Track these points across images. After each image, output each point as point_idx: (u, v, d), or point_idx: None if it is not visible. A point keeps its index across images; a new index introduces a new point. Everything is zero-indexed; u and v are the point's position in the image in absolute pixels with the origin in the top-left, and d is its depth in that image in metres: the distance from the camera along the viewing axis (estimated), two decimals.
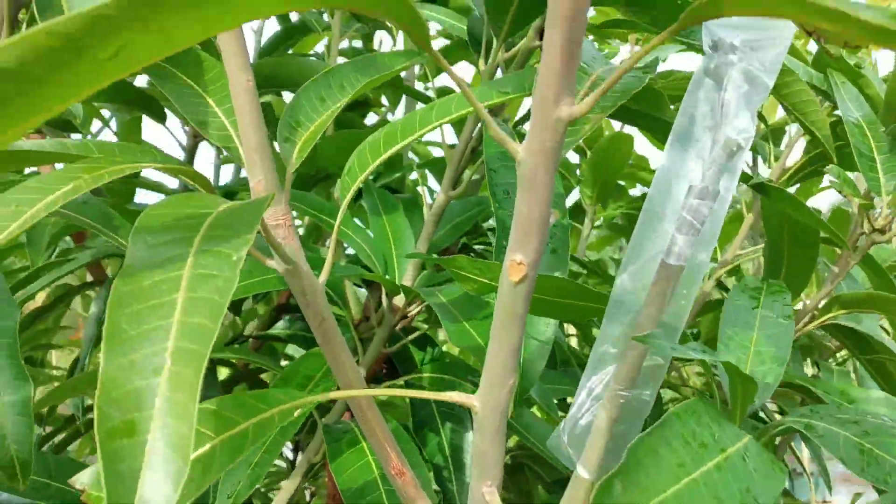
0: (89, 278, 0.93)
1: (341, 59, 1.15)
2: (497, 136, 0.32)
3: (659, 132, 0.70)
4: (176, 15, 0.23)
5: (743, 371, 0.41)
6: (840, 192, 0.61)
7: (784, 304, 0.48)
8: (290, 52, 1.14)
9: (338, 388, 0.44)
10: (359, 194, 0.88)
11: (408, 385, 0.68)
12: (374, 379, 0.77)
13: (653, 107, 0.57)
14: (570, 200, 1.30)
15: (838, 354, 0.99)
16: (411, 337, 0.69)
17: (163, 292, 0.27)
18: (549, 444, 0.43)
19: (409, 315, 0.69)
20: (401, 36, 1.15)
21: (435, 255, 0.68)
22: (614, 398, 0.41)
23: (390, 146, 0.43)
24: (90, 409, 0.80)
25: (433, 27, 1.09)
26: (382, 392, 0.40)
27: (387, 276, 0.69)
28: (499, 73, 0.69)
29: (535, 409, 0.81)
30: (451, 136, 1.27)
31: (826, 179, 0.89)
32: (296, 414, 0.34)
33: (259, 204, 0.33)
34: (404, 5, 0.27)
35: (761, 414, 0.77)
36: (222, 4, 0.23)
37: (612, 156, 1.10)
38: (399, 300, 0.68)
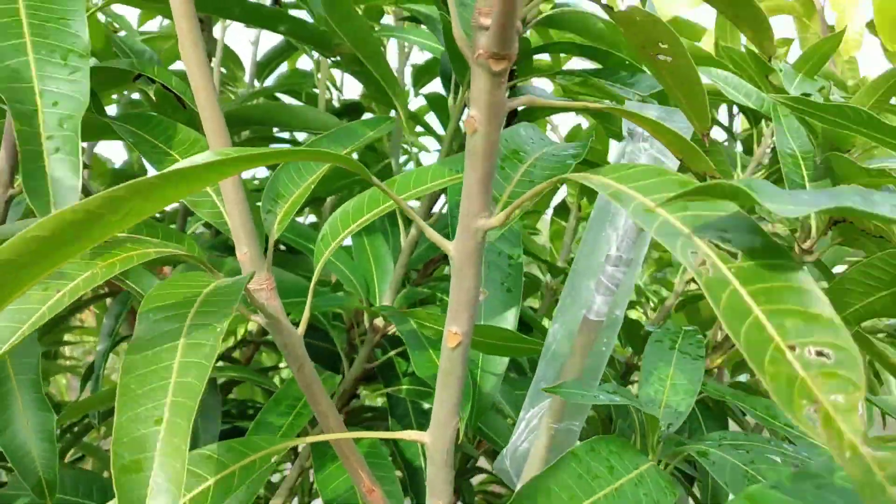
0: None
1: (335, 71, 1.21)
2: (431, 236, 0.39)
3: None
4: (165, 189, 0.30)
5: (656, 405, 0.49)
6: (766, 219, 0.68)
7: (697, 345, 0.55)
8: (284, 66, 1.20)
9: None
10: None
11: (387, 396, 0.76)
12: (363, 378, 0.86)
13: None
14: (557, 198, 1.38)
15: None
16: (389, 354, 0.77)
17: (162, 359, 0.35)
18: (495, 467, 0.52)
19: (388, 332, 0.77)
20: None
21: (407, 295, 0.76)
22: (547, 430, 0.49)
23: (359, 216, 0.51)
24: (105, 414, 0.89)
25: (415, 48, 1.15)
26: (350, 436, 0.48)
27: (368, 300, 0.76)
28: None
29: None
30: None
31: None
32: (273, 460, 0.42)
33: (239, 285, 0.41)
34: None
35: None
36: (197, 179, 0.31)
37: (592, 154, 1.17)
38: (380, 321, 0.76)
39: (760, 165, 0.94)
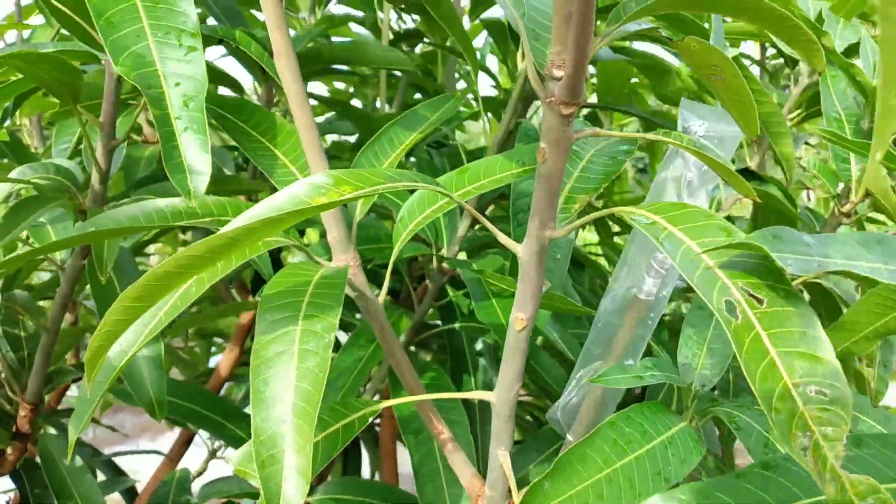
0: None
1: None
2: (503, 240, 0.46)
3: None
4: (287, 220, 0.37)
5: (692, 368, 0.56)
6: (808, 186, 0.72)
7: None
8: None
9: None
10: (409, 153, 1.01)
11: (447, 332, 0.85)
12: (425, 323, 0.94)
13: None
14: None
15: None
16: (451, 296, 0.84)
17: (282, 362, 0.42)
18: (548, 416, 0.59)
19: (453, 275, 0.85)
20: None
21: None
22: (597, 388, 0.57)
23: (432, 204, 0.56)
24: None
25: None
26: (427, 398, 0.56)
27: (437, 245, 0.83)
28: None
29: None
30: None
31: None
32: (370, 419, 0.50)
33: (342, 274, 0.47)
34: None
35: None
36: (313, 211, 0.37)
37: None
38: (446, 264, 0.83)
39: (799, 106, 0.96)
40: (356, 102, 1.41)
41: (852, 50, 0.88)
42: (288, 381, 0.41)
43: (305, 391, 0.41)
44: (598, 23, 0.76)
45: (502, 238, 0.46)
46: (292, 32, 1.24)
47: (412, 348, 0.94)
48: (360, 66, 0.97)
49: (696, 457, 0.50)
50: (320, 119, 1.27)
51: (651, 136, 0.41)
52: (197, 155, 0.49)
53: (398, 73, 1.21)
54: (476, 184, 0.54)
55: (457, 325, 0.84)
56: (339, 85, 1.49)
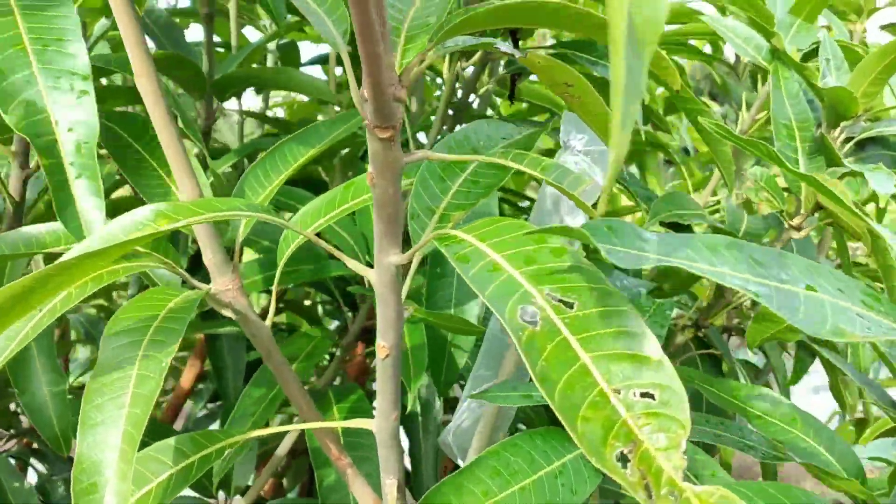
0: None
1: None
2: (350, 265, 0.43)
3: None
4: (80, 267, 0.35)
5: None
6: (752, 198, 0.68)
7: (665, 317, 0.58)
8: None
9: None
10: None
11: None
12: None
13: None
14: None
15: None
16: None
17: (117, 389, 0.41)
18: (440, 441, 0.57)
19: None
20: None
21: None
22: (488, 409, 0.54)
23: (317, 218, 0.54)
24: None
25: None
26: (302, 427, 0.54)
27: (368, 259, 0.81)
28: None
29: None
30: None
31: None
32: (227, 452, 0.48)
33: (191, 303, 0.46)
34: None
35: None
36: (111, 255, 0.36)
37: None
38: None
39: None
40: None
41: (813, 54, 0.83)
42: (122, 407, 0.40)
43: (135, 416, 0.39)
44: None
45: (352, 265, 0.44)
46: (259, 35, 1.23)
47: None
48: (284, 90, 0.96)
49: (591, 487, 0.47)
50: None
51: (501, 160, 0.39)
52: (91, 202, 0.49)
53: None
54: (322, 219, 0.52)
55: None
56: None
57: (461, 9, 0.36)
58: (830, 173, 0.71)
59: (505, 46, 0.38)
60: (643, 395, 0.29)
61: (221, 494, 0.88)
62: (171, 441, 0.48)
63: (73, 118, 0.49)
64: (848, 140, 0.80)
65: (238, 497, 0.86)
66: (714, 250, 0.34)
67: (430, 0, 0.41)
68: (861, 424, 1.28)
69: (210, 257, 0.52)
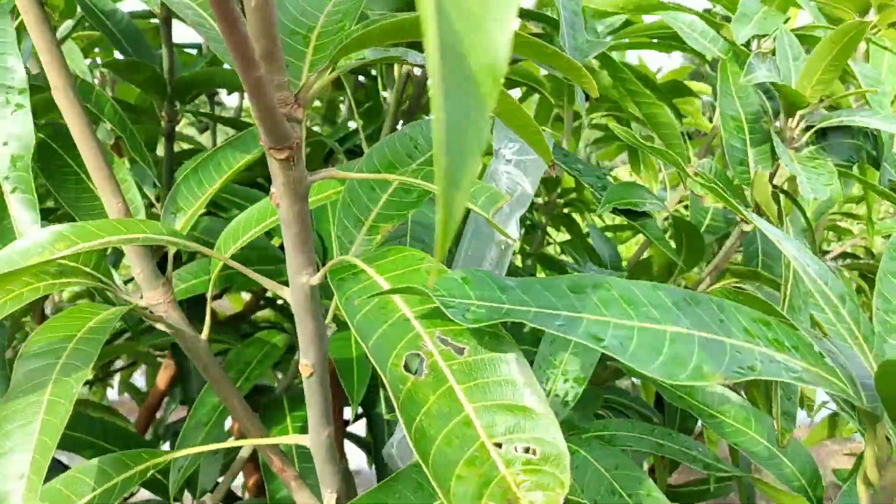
0: None
1: None
2: (266, 285, 0.42)
3: None
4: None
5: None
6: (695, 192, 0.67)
7: None
8: None
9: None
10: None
11: None
12: None
13: None
14: None
15: None
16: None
17: (29, 416, 0.40)
18: (383, 452, 0.56)
19: None
20: None
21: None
22: None
23: (247, 231, 0.53)
24: None
25: None
26: (235, 444, 0.53)
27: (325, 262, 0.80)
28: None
29: None
30: None
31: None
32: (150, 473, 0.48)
33: (107, 324, 0.45)
34: None
35: None
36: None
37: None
38: None
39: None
40: None
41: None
42: (31, 434, 0.39)
43: (44, 444, 0.39)
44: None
45: (269, 284, 0.43)
46: None
47: None
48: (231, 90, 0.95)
49: None
50: None
51: (392, 176, 0.38)
52: (25, 216, 0.49)
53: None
54: (239, 241, 0.51)
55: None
56: None
57: (360, 24, 0.35)
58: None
59: (419, 58, 0.37)
60: (525, 449, 0.28)
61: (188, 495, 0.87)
62: (95, 462, 0.47)
63: (9, 132, 0.49)
64: (809, 128, 0.79)
65: (208, 495, 0.86)
66: (562, 297, 0.33)
67: (340, 4, 0.40)
68: (834, 420, 1.29)
69: (139, 272, 0.52)
